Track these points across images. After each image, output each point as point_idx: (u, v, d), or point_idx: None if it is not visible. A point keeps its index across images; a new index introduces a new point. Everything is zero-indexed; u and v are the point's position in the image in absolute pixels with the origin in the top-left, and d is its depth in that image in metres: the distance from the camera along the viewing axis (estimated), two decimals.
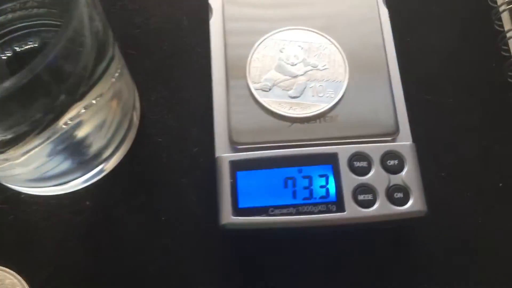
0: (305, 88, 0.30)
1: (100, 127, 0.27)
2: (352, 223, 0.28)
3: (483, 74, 0.34)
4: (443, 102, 0.33)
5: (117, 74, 0.28)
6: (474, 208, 0.31)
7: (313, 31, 0.32)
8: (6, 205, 0.31)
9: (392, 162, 0.29)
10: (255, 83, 0.31)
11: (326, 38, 0.32)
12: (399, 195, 0.28)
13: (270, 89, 0.30)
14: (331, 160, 0.29)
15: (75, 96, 0.23)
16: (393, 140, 0.30)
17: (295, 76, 0.31)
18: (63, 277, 0.29)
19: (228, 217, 0.28)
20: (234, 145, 0.30)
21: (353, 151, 0.29)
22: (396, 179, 0.29)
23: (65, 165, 0.28)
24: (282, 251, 0.30)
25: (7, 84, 0.19)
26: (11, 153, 0.24)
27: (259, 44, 0.32)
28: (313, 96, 0.30)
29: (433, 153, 0.32)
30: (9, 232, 0.30)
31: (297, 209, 0.28)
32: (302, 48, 0.31)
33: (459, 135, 0.32)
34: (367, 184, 0.28)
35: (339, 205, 0.28)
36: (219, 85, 0.31)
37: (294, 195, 0.28)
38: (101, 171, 0.31)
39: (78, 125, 0.25)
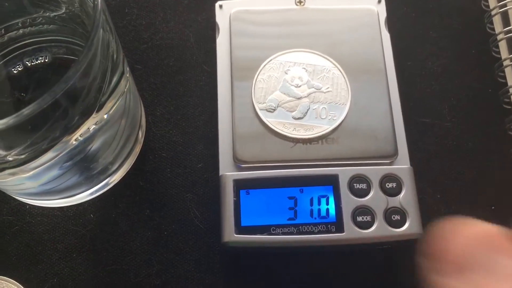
0: (308, 109, 0.31)
1: (109, 142, 0.28)
2: (351, 244, 0.29)
3: (480, 99, 0.35)
4: (440, 125, 0.34)
5: (126, 89, 0.28)
6: None
7: (318, 54, 0.33)
8: (11, 216, 0.31)
9: (390, 185, 0.30)
10: (260, 103, 0.31)
11: (329, 61, 0.33)
12: (396, 217, 0.29)
13: (274, 110, 0.31)
14: (332, 181, 0.30)
15: (90, 112, 0.24)
16: (392, 163, 0.31)
17: (299, 98, 0.32)
18: (65, 287, 0.30)
19: (230, 235, 0.29)
20: (238, 164, 0.30)
21: (353, 173, 0.30)
22: (393, 201, 0.30)
23: (73, 179, 0.28)
24: (283, 268, 0.31)
25: (29, 109, 0.20)
26: (21, 168, 0.25)
27: (264, 65, 0.32)
28: (316, 118, 0.31)
29: (430, 175, 0.33)
30: (14, 243, 0.31)
31: (298, 229, 0.29)
32: (306, 70, 0.32)
33: (455, 158, 0.33)
34: (366, 206, 0.29)
35: (338, 225, 0.29)
36: (224, 103, 0.32)
37: (295, 214, 0.29)
38: (106, 184, 0.31)
39: (88, 140, 0.26)
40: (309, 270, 0.31)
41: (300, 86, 0.32)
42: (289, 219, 0.29)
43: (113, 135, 0.28)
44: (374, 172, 0.30)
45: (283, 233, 0.29)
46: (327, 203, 0.29)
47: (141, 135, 0.33)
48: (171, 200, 0.32)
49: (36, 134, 0.22)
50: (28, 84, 0.31)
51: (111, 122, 0.27)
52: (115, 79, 0.26)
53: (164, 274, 0.30)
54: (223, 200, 0.30)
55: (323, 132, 0.31)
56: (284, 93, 0.32)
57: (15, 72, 0.31)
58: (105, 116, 0.26)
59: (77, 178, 0.29)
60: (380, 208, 0.29)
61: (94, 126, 0.26)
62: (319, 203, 0.30)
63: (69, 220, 0.31)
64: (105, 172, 0.30)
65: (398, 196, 0.30)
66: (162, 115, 0.34)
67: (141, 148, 0.33)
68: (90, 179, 0.30)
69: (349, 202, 0.29)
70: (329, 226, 0.29)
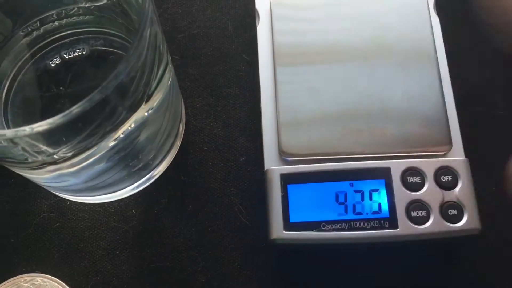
0: None
1: (153, 136, 0.27)
2: (405, 240, 0.28)
3: None
4: (494, 114, 0.32)
5: (169, 81, 0.27)
6: None
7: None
8: (52, 213, 0.31)
9: (445, 178, 0.28)
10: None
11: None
12: (453, 212, 0.28)
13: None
14: (383, 174, 0.29)
15: (138, 105, 0.23)
16: (446, 155, 0.29)
17: None
18: (108, 285, 0.29)
19: (279, 231, 0.28)
20: (284, 157, 0.29)
21: (406, 166, 0.29)
22: (449, 195, 0.28)
23: (117, 175, 0.27)
24: (330, 267, 0.30)
25: (79, 107, 0.19)
26: (66, 163, 0.24)
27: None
28: None
29: (485, 167, 0.31)
30: (55, 240, 0.30)
31: (349, 225, 0.28)
32: None
33: (509, 147, 0.32)
34: (421, 200, 0.28)
35: (392, 221, 0.28)
36: (267, 92, 0.31)
37: (346, 210, 0.28)
38: (149, 178, 0.30)
39: (134, 135, 0.25)
40: (360, 267, 0.29)
41: None
42: (340, 214, 0.28)
43: (157, 129, 0.27)
44: (428, 164, 0.29)
45: (334, 230, 0.28)
46: (379, 198, 0.28)
47: (181, 128, 0.32)
48: (214, 195, 0.31)
49: (85, 132, 0.21)
50: (66, 77, 0.30)
51: (156, 115, 0.26)
52: (160, 71, 0.25)
53: (209, 271, 0.29)
54: (270, 195, 0.28)
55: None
56: None
57: (52, 65, 0.30)
58: (151, 110, 0.25)
59: (120, 174, 0.28)
60: (435, 203, 0.28)
61: (140, 121, 0.25)
62: (370, 198, 0.28)
63: (111, 217, 0.31)
64: (147, 167, 0.29)
65: (454, 189, 0.28)
66: (202, 107, 0.33)
67: (182, 142, 0.32)
68: (133, 174, 0.29)
69: (403, 196, 0.28)
70: (382, 221, 0.28)
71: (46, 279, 0.29)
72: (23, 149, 0.21)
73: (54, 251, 0.30)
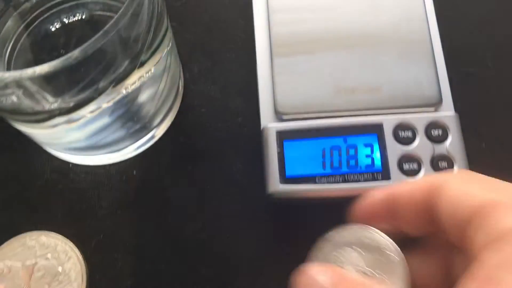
0: None
1: (153, 95, 0.28)
2: None
3: None
4: (483, 74, 0.33)
5: (169, 45, 0.28)
6: None
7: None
8: (55, 174, 0.32)
9: (436, 132, 0.29)
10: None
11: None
12: (443, 164, 0.29)
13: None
14: (376, 129, 0.29)
15: (136, 63, 0.24)
16: (436, 111, 0.30)
17: None
18: (111, 243, 0.30)
19: (276, 185, 0.29)
20: (280, 115, 0.30)
21: (398, 121, 0.30)
22: (440, 148, 0.29)
23: (118, 133, 0.28)
24: (327, 219, 0.30)
25: (77, 52, 0.20)
26: (70, 116, 0.25)
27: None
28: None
29: (474, 124, 0.32)
30: (59, 201, 0.31)
31: (344, 178, 0.29)
32: None
33: (499, 106, 0.33)
34: (412, 153, 0.29)
35: (385, 174, 0.29)
36: (263, 56, 0.32)
37: (340, 164, 0.29)
38: (150, 138, 0.31)
39: (135, 92, 0.26)
40: None
41: None
42: (334, 168, 0.29)
43: (156, 90, 0.28)
44: (419, 119, 0.30)
45: (329, 182, 0.29)
46: (372, 152, 0.29)
47: (180, 90, 0.33)
48: (212, 154, 0.32)
49: (85, 80, 0.22)
50: (66, 41, 0.31)
51: (156, 76, 0.27)
52: (161, 34, 0.26)
53: (209, 228, 0.30)
54: (266, 152, 0.29)
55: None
56: None
57: (53, 29, 0.31)
58: (152, 70, 0.26)
59: (121, 131, 0.29)
60: (426, 155, 0.29)
61: (141, 79, 0.26)
62: (364, 152, 0.29)
63: (112, 177, 0.31)
64: (148, 126, 0.30)
65: (444, 143, 0.29)
66: (200, 71, 0.34)
67: (180, 105, 0.33)
68: (133, 133, 0.30)
69: (395, 150, 0.29)
70: (375, 174, 0.29)
71: (50, 237, 0.30)
72: (28, 94, 0.22)
73: (57, 211, 0.31)
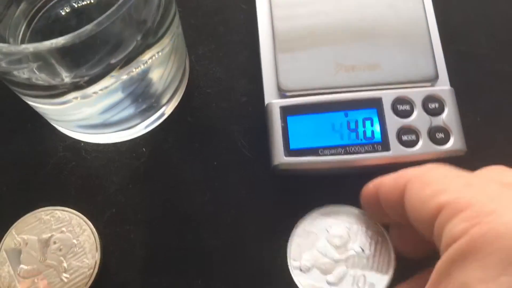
0: None
1: (161, 74, 0.29)
2: (397, 162, 0.30)
3: None
4: (477, 52, 0.35)
5: (178, 27, 0.30)
6: (508, 150, 0.33)
7: None
8: (67, 152, 0.33)
9: (433, 105, 0.31)
10: None
11: None
12: (440, 135, 0.30)
13: None
14: (375, 104, 0.31)
15: (148, 42, 0.25)
16: (433, 86, 0.32)
17: None
18: (123, 216, 0.32)
19: (280, 158, 0.30)
20: (283, 93, 0.31)
21: (396, 95, 0.31)
22: (437, 120, 0.30)
23: (129, 109, 0.30)
24: (331, 192, 0.32)
25: (91, 26, 0.21)
26: (84, 91, 0.26)
27: None
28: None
29: (469, 99, 0.33)
30: (72, 178, 0.32)
31: (345, 149, 0.30)
32: None
33: (493, 82, 0.34)
34: (410, 125, 0.30)
35: (384, 145, 0.30)
36: (265, 38, 0.33)
37: (341, 137, 0.30)
38: (158, 118, 0.33)
39: (146, 70, 0.27)
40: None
41: None
42: (336, 140, 0.30)
43: (164, 69, 0.30)
44: (417, 93, 0.31)
45: (331, 154, 0.30)
46: (372, 125, 0.30)
47: (187, 69, 0.34)
48: (218, 132, 0.33)
49: (98, 55, 0.23)
50: (77, 24, 0.32)
51: (165, 56, 0.28)
52: (170, 16, 0.28)
53: (216, 201, 0.32)
54: (271, 127, 0.31)
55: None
56: None
57: (63, 13, 0.32)
58: (162, 50, 0.28)
59: (132, 108, 0.30)
60: (424, 127, 0.30)
61: (152, 57, 0.27)
62: (364, 126, 0.30)
63: (123, 155, 0.33)
64: (156, 105, 0.31)
65: (441, 115, 0.31)
66: (204, 54, 0.35)
67: (187, 86, 0.34)
68: (143, 111, 0.31)
69: (394, 122, 0.30)
70: (375, 146, 0.30)
71: (65, 212, 0.31)
72: (44, 67, 0.23)
73: (71, 187, 0.32)
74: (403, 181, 0.23)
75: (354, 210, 0.29)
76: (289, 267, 0.28)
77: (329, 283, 0.28)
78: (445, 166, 0.23)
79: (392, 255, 0.28)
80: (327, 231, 0.29)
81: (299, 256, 0.29)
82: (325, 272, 0.28)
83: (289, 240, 0.29)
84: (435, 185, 0.21)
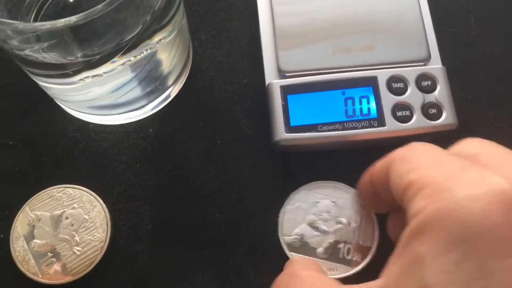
0: None
1: (167, 56, 0.31)
2: (392, 137, 0.32)
3: (506, 7, 0.37)
4: (467, 34, 0.36)
5: (183, 15, 0.31)
6: (497, 125, 0.34)
7: None
8: (77, 133, 0.34)
9: (426, 83, 0.32)
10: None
11: None
12: (433, 111, 0.32)
13: None
14: (371, 82, 0.32)
15: (154, 27, 0.27)
16: (425, 65, 0.33)
17: None
18: (131, 193, 0.33)
19: (281, 134, 0.31)
20: (283, 73, 0.33)
21: (391, 74, 0.32)
22: (430, 97, 0.32)
23: (136, 89, 0.31)
24: (331, 167, 0.33)
25: (102, 5, 0.23)
26: (95, 70, 0.28)
27: None
28: None
29: (460, 78, 0.35)
30: (82, 158, 0.34)
31: (343, 125, 0.32)
32: None
33: (484, 62, 0.36)
34: (404, 102, 0.32)
35: (380, 120, 0.32)
36: (265, 22, 0.35)
37: (339, 113, 0.32)
38: (163, 101, 0.34)
39: (153, 53, 0.29)
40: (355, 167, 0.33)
41: None
42: (334, 117, 0.32)
43: (170, 51, 0.31)
44: (410, 72, 0.32)
45: (330, 130, 0.31)
46: (368, 102, 0.32)
47: (191, 53, 0.35)
48: (221, 113, 0.35)
49: (109, 34, 0.25)
50: (84, 11, 0.33)
51: (171, 39, 0.30)
52: (177, 2, 0.29)
53: (220, 178, 0.33)
54: (272, 105, 0.32)
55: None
56: None
57: (71, 0, 0.33)
58: (167, 34, 0.29)
59: (139, 89, 0.31)
60: (417, 104, 0.32)
61: (160, 40, 0.29)
62: (360, 103, 0.32)
63: (130, 135, 0.34)
64: (162, 87, 0.33)
65: (433, 92, 0.32)
66: (207, 39, 0.37)
67: (190, 70, 0.36)
68: (150, 92, 0.32)
69: (389, 99, 0.32)
70: (371, 121, 0.32)
71: (76, 189, 0.33)
72: (56, 45, 0.24)
73: (81, 167, 0.34)
74: (390, 160, 0.24)
75: (340, 185, 0.32)
76: (281, 243, 0.30)
77: (319, 255, 0.30)
78: (426, 144, 0.24)
79: (376, 227, 0.30)
80: (315, 206, 0.31)
81: (289, 231, 0.31)
82: (315, 245, 0.30)
83: (279, 217, 0.31)
84: (411, 162, 0.22)
